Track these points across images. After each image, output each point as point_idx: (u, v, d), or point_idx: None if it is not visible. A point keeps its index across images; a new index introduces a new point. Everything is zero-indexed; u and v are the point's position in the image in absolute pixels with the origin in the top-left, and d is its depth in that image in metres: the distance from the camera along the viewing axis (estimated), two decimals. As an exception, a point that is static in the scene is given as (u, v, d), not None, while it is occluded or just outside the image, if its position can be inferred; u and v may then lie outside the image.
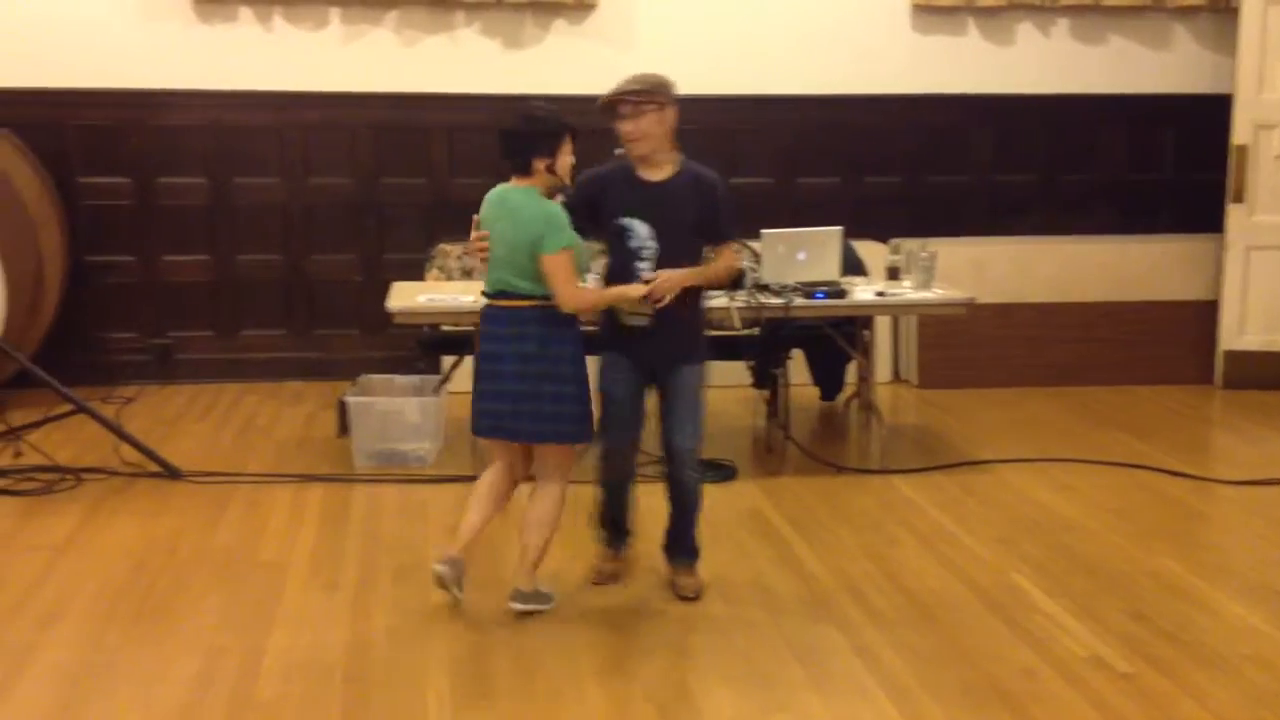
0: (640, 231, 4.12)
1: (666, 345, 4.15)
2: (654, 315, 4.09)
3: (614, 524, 4.43)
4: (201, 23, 6.97)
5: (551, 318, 3.97)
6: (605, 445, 4.30)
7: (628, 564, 4.46)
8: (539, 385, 3.96)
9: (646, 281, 4.08)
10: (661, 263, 4.10)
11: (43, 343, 6.59)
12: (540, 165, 3.95)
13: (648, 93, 4.07)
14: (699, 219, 4.14)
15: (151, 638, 3.92)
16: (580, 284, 4.01)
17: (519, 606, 4.07)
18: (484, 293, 4.09)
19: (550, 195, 4.02)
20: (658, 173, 4.14)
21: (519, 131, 3.98)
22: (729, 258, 4.26)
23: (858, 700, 3.56)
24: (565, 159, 3.99)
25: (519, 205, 3.96)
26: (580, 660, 3.79)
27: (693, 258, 4.16)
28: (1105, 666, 3.74)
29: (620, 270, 4.16)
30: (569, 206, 4.17)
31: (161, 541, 4.70)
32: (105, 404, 6.30)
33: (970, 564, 4.55)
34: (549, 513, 4.09)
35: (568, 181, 4.03)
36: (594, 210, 4.18)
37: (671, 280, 4.07)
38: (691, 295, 4.18)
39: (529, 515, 4.11)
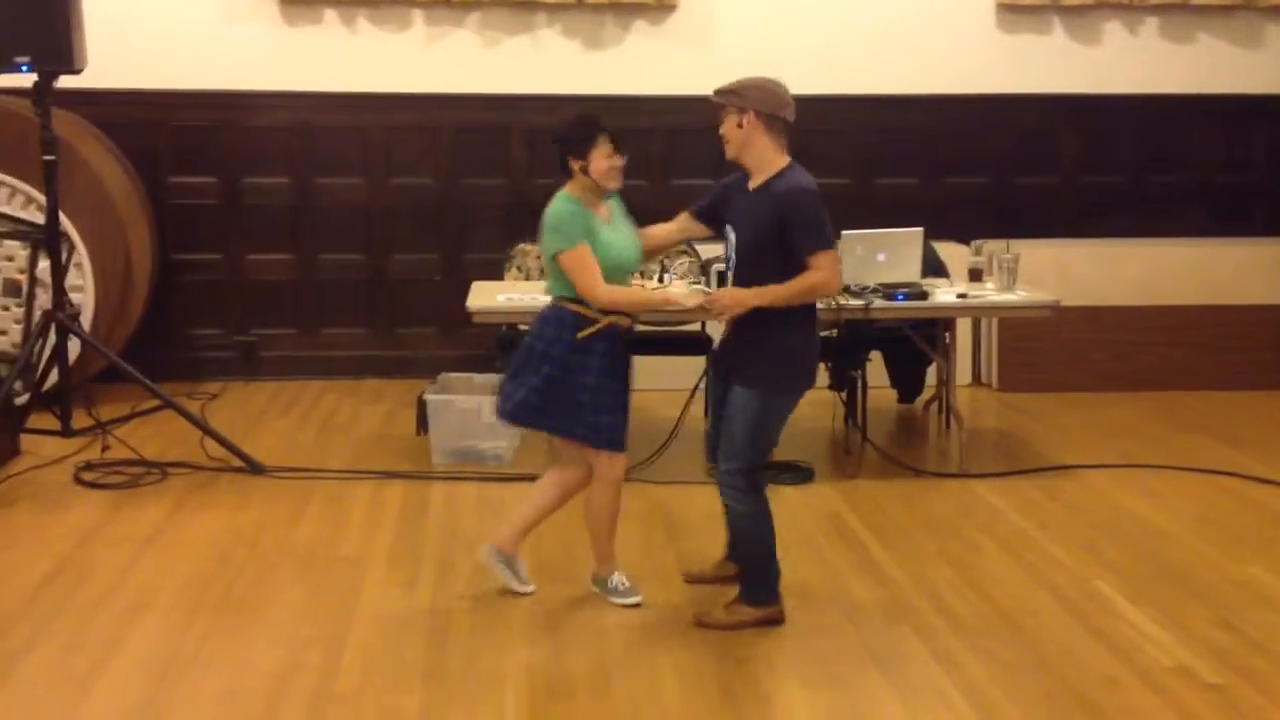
0: (731, 241, 4.06)
1: (727, 360, 4.10)
2: (731, 329, 4.07)
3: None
4: (288, 25, 7.08)
5: (558, 318, 4.04)
6: None
7: (726, 569, 4.34)
8: (530, 378, 4.04)
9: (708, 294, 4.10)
10: (734, 275, 4.02)
11: (131, 339, 6.72)
12: (575, 166, 4.00)
13: (727, 93, 3.99)
14: (775, 232, 3.91)
15: (235, 629, 3.98)
16: (598, 278, 3.97)
17: (595, 589, 4.24)
18: None
19: (594, 198, 4.04)
20: (752, 181, 4.02)
21: (554, 134, 4.06)
22: (808, 275, 3.88)
23: (938, 706, 3.51)
24: (599, 162, 3.97)
25: (547, 209, 4.06)
26: (658, 661, 3.78)
27: (770, 275, 3.90)
28: (1192, 677, 3.66)
29: (722, 279, 4.16)
30: (700, 209, 4.19)
31: (244, 535, 4.78)
32: (191, 400, 6.43)
33: (1053, 570, 4.47)
34: (588, 511, 4.20)
35: (605, 184, 4.01)
36: (718, 216, 4.15)
37: (734, 298, 3.94)
38: (758, 315, 3.93)
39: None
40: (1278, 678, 3.66)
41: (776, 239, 3.91)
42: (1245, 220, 7.61)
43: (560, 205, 4.01)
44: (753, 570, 4.08)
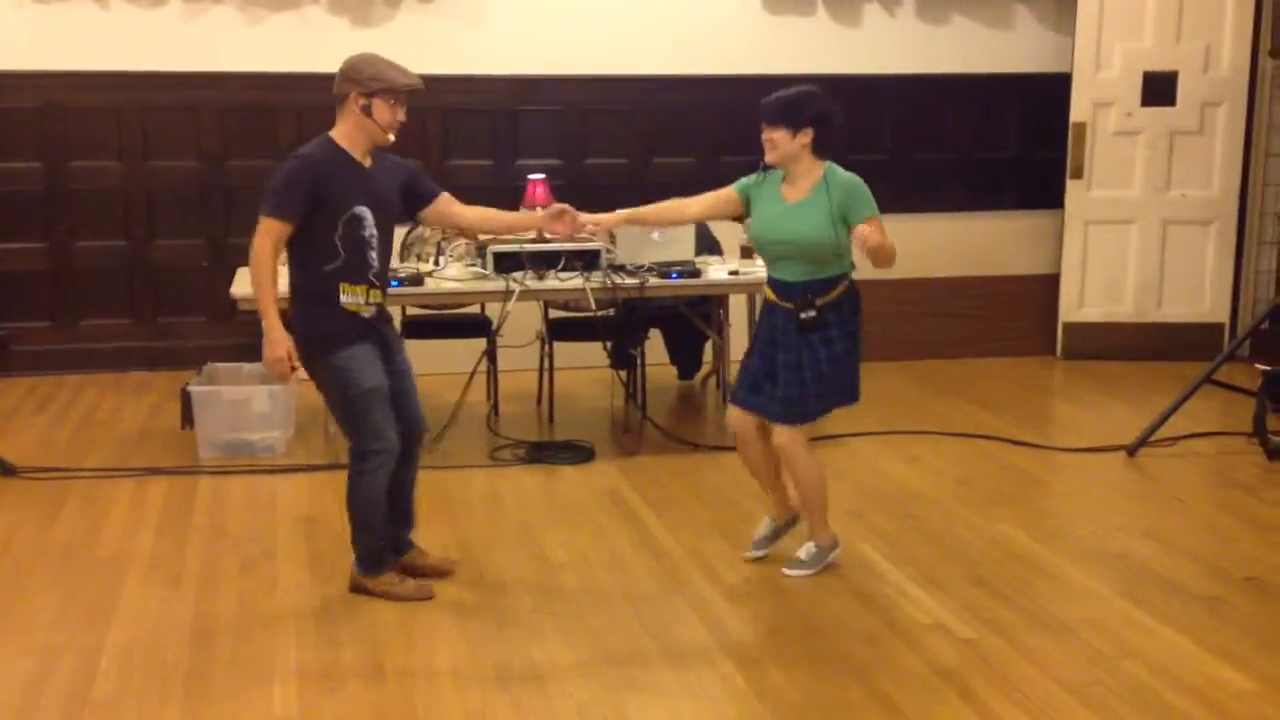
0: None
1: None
2: None
3: None
4: (36, 1, 6.69)
5: (853, 295, 4.43)
6: None
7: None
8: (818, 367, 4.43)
9: None
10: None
11: None
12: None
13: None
14: None
15: (-19, 640, 3.77)
16: None
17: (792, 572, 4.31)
18: None
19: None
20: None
21: (835, 116, 4.32)
22: None
23: (707, 673, 3.58)
24: None
25: (847, 179, 4.44)
26: (433, 642, 3.75)
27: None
28: (947, 632, 3.83)
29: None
30: None
31: (-6, 540, 4.53)
32: (-65, 399, 6.05)
33: (820, 537, 4.62)
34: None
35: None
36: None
37: None
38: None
39: None
40: (1023, 628, 3.86)
41: None
42: (1000, 195, 7.98)
43: (854, 176, 4.26)
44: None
